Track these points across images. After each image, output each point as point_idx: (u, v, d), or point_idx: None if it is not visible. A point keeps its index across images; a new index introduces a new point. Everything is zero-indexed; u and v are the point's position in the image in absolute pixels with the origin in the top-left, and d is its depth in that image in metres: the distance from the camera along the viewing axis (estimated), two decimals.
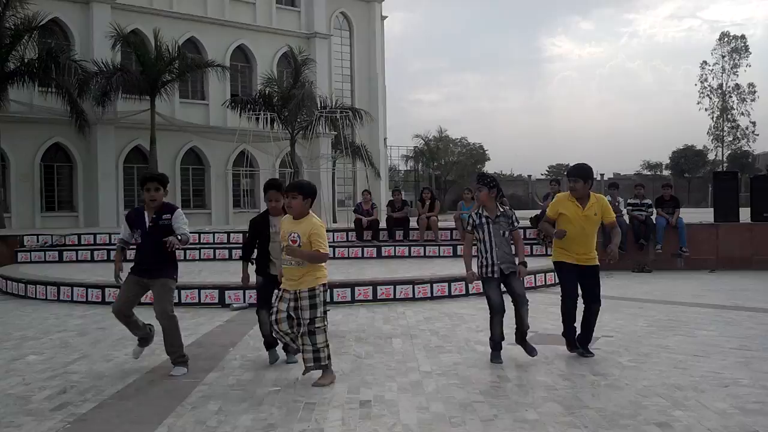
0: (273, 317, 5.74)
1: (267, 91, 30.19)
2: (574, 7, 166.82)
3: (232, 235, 16.28)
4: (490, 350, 6.58)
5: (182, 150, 31.46)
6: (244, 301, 10.24)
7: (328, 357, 5.71)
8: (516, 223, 6.61)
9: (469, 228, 6.65)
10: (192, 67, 28.70)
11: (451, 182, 65.67)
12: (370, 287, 10.41)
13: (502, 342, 6.55)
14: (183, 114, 31.20)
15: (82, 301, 10.80)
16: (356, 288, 10.32)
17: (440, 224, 16.41)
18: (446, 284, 10.61)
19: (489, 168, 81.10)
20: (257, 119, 27.07)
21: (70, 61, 24.40)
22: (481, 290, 6.85)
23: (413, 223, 16.32)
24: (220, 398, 5.37)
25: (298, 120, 30.56)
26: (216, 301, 10.30)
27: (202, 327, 8.62)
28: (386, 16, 44.23)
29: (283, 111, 29.08)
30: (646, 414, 4.84)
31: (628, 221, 15.22)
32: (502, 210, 6.62)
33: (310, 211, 5.78)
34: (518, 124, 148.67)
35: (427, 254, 15.22)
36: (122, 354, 7.05)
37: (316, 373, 5.76)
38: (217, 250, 15.55)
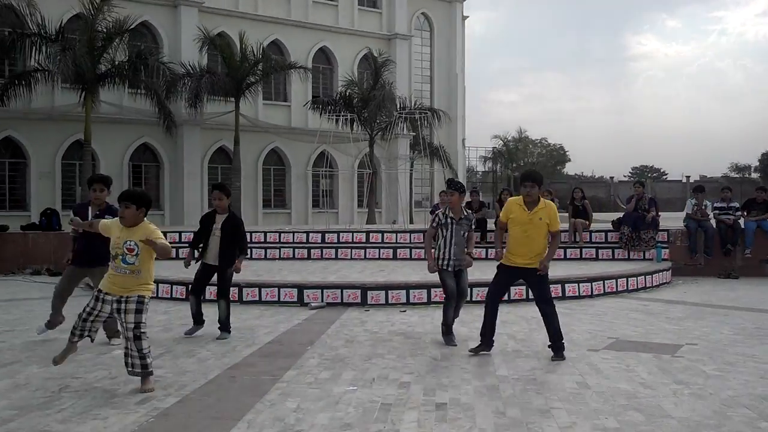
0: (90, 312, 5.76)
1: (347, 93, 30.49)
2: (661, 4, 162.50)
3: (311, 234, 16.50)
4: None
5: (264, 150, 32.06)
6: (322, 300, 10.37)
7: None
8: (473, 226, 7.82)
9: (434, 225, 7.70)
10: (275, 69, 29.16)
11: None
12: None
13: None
14: (266, 115, 31.79)
15: (167, 297, 11.14)
16: (432, 290, 10.31)
17: None
18: (523, 287, 10.49)
19: (569, 169, 79.83)
20: (337, 120, 27.36)
21: (158, 63, 25.11)
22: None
23: (491, 224, 16.16)
24: (299, 396, 5.45)
25: (377, 121, 30.76)
26: (295, 299, 10.46)
27: (281, 325, 8.77)
28: (467, 16, 44.03)
29: (362, 112, 29.31)
30: (731, 425, 4.68)
31: (714, 225, 14.73)
32: (465, 213, 7.74)
33: (145, 219, 5.83)
34: (601, 124, 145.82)
35: None
36: (205, 350, 7.23)
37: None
38: (296, 250, 15.79)
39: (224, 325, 7.98)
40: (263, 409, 5.12)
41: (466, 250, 7.67)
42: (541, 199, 6.98)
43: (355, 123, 28.27)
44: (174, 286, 11.19)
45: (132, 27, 24.82)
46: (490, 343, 7.04)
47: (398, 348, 7.26)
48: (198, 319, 8.07)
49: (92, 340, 6.07)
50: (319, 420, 4.84)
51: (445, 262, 7.57)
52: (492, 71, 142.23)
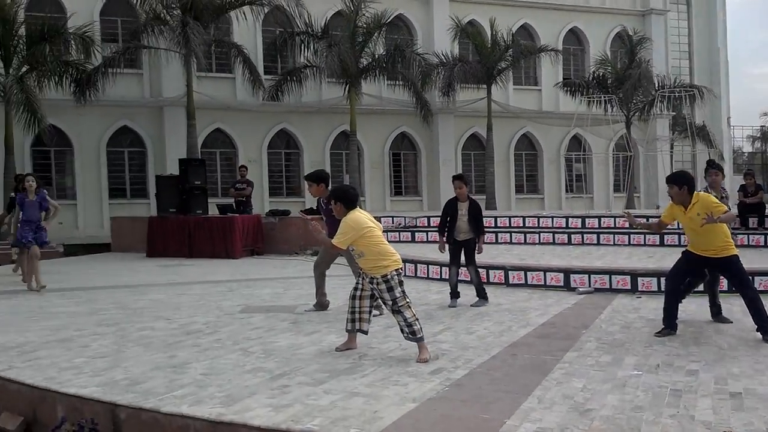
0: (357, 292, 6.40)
1: (601, 73, 29.67)
2: None
3: (570, 219, 16.38)
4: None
5: (516, 136, 32.14)
6: (590, 286, 10.31)
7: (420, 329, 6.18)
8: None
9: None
10: (525, 53, 29.16)
11: None
12: None
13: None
14: (516, 100, 31.82)
15: (437, 278, 11.69)
16: None
17: None
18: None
19: None
20: (589, 102, 26.74)
21: (414, 55, 26.20)
22: None
23: None
24: (583, 377, 5.55)
25: (634, 101, 29.63)
26: (561, 283, 10.51)
27: (551, 308, 8.88)
28: None
29: (617, 92, 28.36)
30: None
31: None
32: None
33: (353, 210, 6.29)
34: None
35: None
36: (481, 328, 7.56)
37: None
38: (556, 235, 15.77)
39: (479, 293, 9.12)
40: (550, 386, 5.29)
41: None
42: (695, 193, 7.03)
43: (609, 104, 27.45)
44: (442, 268, 11.68)
45: (388, 21, 26.06)
46: (673, 325, 7.12)
47: (679, 335, 7.08)
48: (455, 293, 9.14)
49: (366, 333, 6.57)
50: (608, 401, 4.91)
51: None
52: (757, 43, 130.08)
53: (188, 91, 22.72)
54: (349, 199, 6.31)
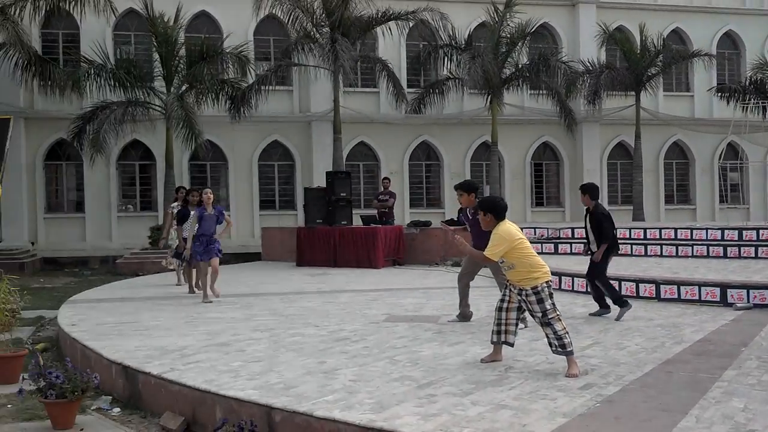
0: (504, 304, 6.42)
1: (758, 77, 28.03)
2: None
3: (726, 231, 15.56)
4: None
5: (666, 144, 30.84)
6: (748, 301, 9.77)
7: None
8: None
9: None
10: (677, 58, 28.00)
11: None
12: None
13: None
14: (666, 107, 30.55)
15: (582, 291, 11.41)
16: None
17: None
18: None
19: None
20: (745, 108, 25.26)
21: (558, 63, 25.74)
22: None
23: None
24: (744, 396, 5.29)
25: None
26: (717, 299, 10.01)
27: (706, 324, 8.50)
28: None
29: None
30: None
31: None
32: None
33: (502, 221, 6.32)
34: None
35: None
36: (633, 344, 7.34)
37: None
38: (710, 247, 15.03)
39: (616, 302, 8.94)
40: (708, 405, 5.07)
41: None
42: None
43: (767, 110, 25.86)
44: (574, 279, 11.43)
45: (533, 30, 25.77)
46: None
47: None
48: (601, 303, 9.16)
49: (512, 345, 6.53)
50: None
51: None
52: None
53: (335, 106, 23.38)
54: (499, 210, 6.32)
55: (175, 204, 13.96)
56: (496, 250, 6.17)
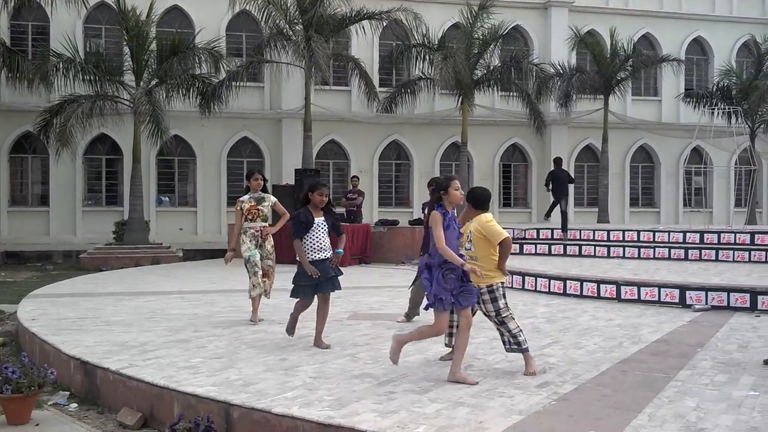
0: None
1: (725, 84, 28.50)
2: None
3: (688, 234, 15.81)
4: None
5: (632, 148, 31.21)
6: (706, 303, 9.95)
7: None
8: None
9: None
10: (647, 63, 28.36)
11: None
12: None
13: None
14: (634, 111, 30.90)
15: (545, 291, 11.54)
16: None
17: None
18: None
19: None
20: (712, 113, 25.66)
21: (530, 65, 25.93)
22: None
23: None
24: (696, 396, 5.39)
25: (759, 113, 28.34)
26: (676, 300, 10.18)
27: (664, 325, 8.65)
28: None
29: (742, 104, 27.15)
30: None
31: None
32: None
33: (483, 214, 6.23)
34: None
35: None
36: (591, 343, 7.44)
37: None
38: (672, 250, 15.26)
39: None
40: (661, 404, 5.17)
41: None
42: None
43: (733, 116, 26.28)
44: (551, 281, 11.54)
45: (505, 32, 25.91)
46: None
47: None
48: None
49: None
50: (722, 421, 4.76)
51: None
52: None
53: (306, 104, 23.31)
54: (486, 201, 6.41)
55: (247, 197, 9.53)
56: (503, 231, 6.18)
